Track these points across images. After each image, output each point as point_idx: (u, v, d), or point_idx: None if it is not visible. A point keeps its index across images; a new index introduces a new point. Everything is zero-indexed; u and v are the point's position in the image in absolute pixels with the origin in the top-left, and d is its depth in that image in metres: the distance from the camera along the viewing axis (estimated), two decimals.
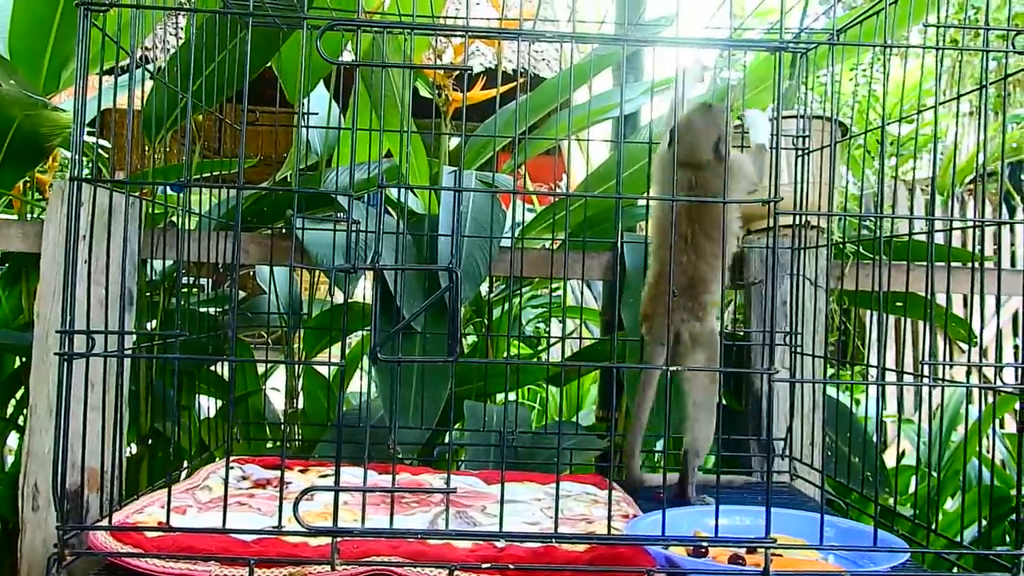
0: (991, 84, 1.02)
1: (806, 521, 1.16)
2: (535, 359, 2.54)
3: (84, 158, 1.68)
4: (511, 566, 0.99)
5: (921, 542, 1.32)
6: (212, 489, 1.32)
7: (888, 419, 2.94)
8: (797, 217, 1.62)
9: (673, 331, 1.35)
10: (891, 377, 2.75)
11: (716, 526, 0.99)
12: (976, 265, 1.08)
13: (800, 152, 1.59)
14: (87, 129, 2.09)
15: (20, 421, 1.90)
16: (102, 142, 2.41)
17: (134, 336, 1.53)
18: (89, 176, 1.04)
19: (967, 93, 1.15)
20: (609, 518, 1.00)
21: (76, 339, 0.99)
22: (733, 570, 0.99)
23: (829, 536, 1.16)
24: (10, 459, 2.05)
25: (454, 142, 2.09)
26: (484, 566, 0.98)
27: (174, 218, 1.76)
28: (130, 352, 1.21)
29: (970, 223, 1.03)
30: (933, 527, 1.22)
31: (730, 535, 1.09)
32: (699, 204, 1.33)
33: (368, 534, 0.97)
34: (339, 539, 1.02)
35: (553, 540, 1.00)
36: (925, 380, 1.12)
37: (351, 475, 1.43)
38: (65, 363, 0.95)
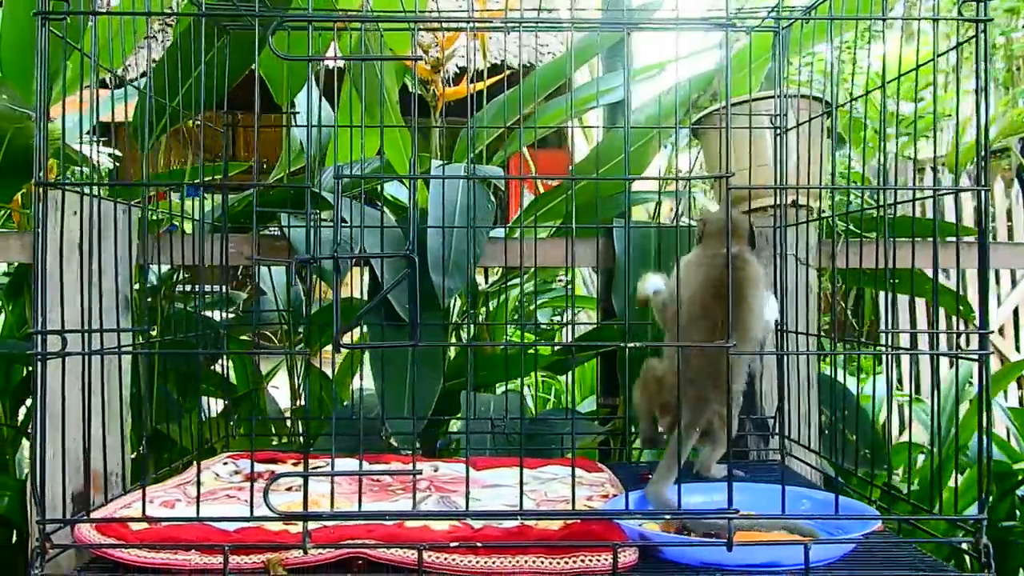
0: (942, 55, 1.02)
1: (790, 496, 1.16)
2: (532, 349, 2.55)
3: (80, 167, 1.72)
4: (479, 544, 1.01)
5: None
6: (204, 484, 1.35)
7: (899, 398, 2.92)
8: (779, 196, 1.62)
9: (704, 423, 1.29)
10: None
11: (679, 499, 1.00)
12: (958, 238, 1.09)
13: (778, 131, 1.60)
14: (85, 139, 2.14)
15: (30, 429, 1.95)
16: (106, 150, 2.46)
17: (130, 337, 1.57)
18: (58, 182, 1.07)
19: (927, 63, 1.15)
20: (572, 496, 1.02)
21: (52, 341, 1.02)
22: (696, 542, 1.00)
23: (806, 508, 1.18)
24: (26, 468, 2.10)
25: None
26: (452, 544, 1.00)
27: (175, 222, 1.80)
28: (107, 350, 1.24)
29: (928, 191, 1.03)
30: (914, 501, 1.22)
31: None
32: (723, 299, 1.23)
33: (338, 518, 1.00)
34: (315, 525, 1.05)
35: (519, 517, 1.02)
36: (887, 349, 1.13)
37: (342, 465, 1.46)
38: (40, 363, 0.98)
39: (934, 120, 1.07)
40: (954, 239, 1.80)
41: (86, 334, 1.13)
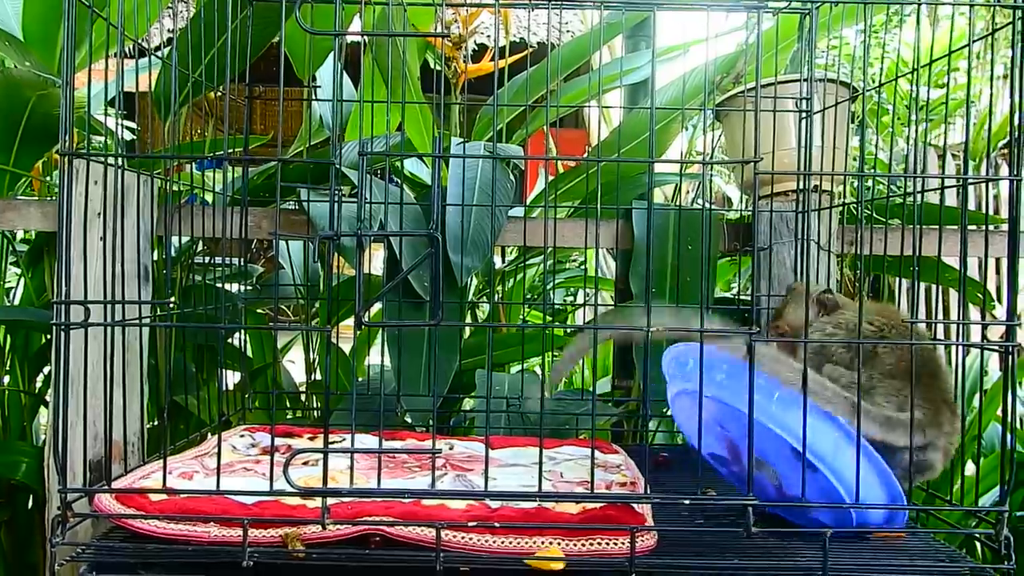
0: (976, 40, 1.01)
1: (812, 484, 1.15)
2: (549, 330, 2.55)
3: (87, 135, 1.71)
4: (497, 524, 1.01)
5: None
6: (221, 456, 1.36)
7: None
8: (801, 181, 1.61)
9: None
10: None
11: (700, 487, 1.00)
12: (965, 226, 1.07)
13: (804, 115, 1.58)
14: (108, 110, 2.14)
15: (48, 396, 1.96)
16: (129, 124, 2.45)
17: (150, 308, 1.57)
18: (83, 151, 1.07)
19: (957, 50, 1.13)
20: (592, 479, 1.02)
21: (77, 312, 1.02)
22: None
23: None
24: (43, 434, 2.11)
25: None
26: (470, 524, 1.00)
27: (196, 193, 1.80)
28: (129, 322, 1.24)
29: (953, 179, 1.02)
30: (928, 489, 1.22)
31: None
32: None
33: (357, 495, 1.00)
34: (333, 500, 1.05)
35: (538, 499, 1.02)
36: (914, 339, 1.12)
37: (359, 441, 1.46)
38: (62, 333, 0.99)
39: (967, 105, 1.05)
40: (971, 228, 1.79)
41: (108, 305, 1.13)
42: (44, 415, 2.04)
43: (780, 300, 1.47)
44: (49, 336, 1.86)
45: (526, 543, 1.01)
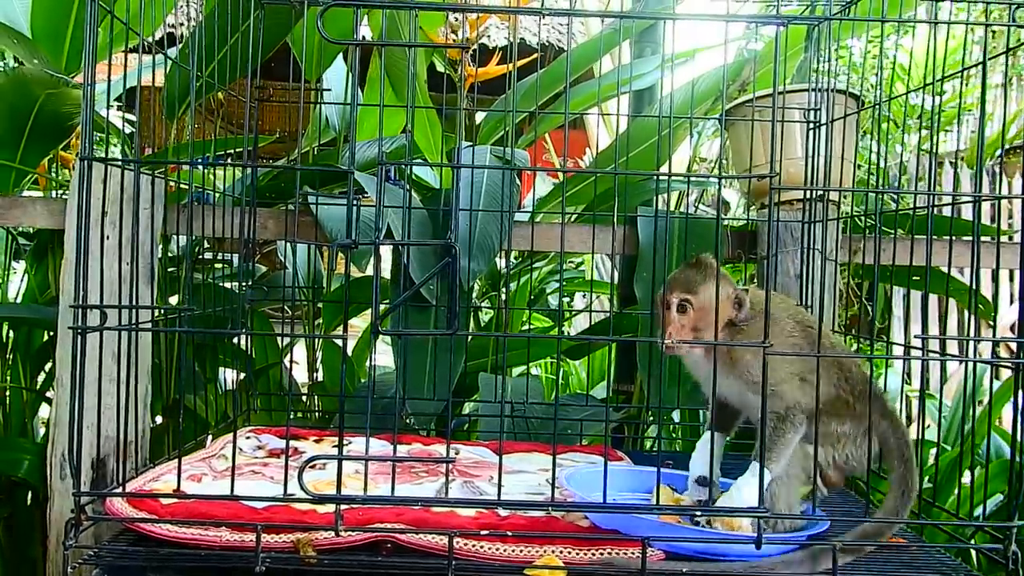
0: (991, 59, 1.01)
1: None
2: (551, 332, 2.55)
3: (106, 135, 1.71)
4: (509, 533, 1.01)
5: (935, 517, 1.34)
6: (228, 458, 1.36)
7: (913, 395, 2.92)
8: (811, 192, 1.62)
9: None
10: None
11: (710, 495, 1.01)
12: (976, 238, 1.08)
13: (812, 125, 1.59)
14: (114, 106, 2.13)
15: (49, 393, 1.95)
16: (130, 118, 2.45)
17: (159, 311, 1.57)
18: (102, 157, 1.07)
19: (969, 68, 1.14)
20: (604, 489, 1.02)
21: (90, 314, 1.02)
22: (720, 535, 1.01)
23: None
24: (43, 430, 2.11)
25: (477, 117, 2.10)
26: (483, 532, 1.00)
27: (208, 193, 1.80)
28: (141, 326, 1.24)
29: (969, 197, 1.03)
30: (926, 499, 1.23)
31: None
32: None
33: (370, 502, 1.00)
34: (345, 506, 1.06)
35: (550, 509, 1.03)
36: (924, 354, 1.13)
37: (363, 444, 1.46)
38: (79, 337, 0.99)
39: (981, 125, 1.06)
40: (969, 239, 1.79)
41: (122, 309, 1.13)
42: (45, 412, 2.04)
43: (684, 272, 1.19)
44: (52, 333, 1.86)
45: (536, 551, 1.01)
